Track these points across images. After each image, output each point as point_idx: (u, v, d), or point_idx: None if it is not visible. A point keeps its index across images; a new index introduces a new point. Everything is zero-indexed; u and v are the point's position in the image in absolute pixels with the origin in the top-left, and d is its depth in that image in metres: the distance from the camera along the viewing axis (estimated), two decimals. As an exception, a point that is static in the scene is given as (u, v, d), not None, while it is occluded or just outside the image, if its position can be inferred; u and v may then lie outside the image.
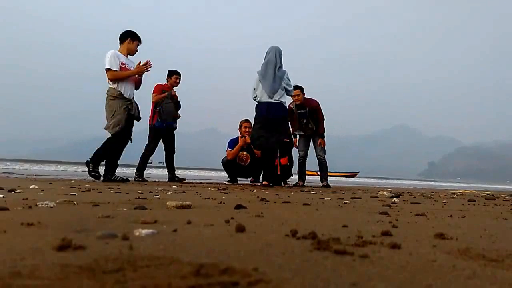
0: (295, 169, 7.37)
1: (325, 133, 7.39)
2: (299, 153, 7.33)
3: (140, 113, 6.01)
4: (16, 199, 2.23)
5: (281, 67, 6.43)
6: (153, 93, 6.97)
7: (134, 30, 6.07)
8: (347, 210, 2.37)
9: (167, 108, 6.88)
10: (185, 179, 7.31)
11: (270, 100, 6.23)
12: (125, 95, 5.71)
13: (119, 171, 6.24)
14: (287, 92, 6.46)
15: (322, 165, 7.39)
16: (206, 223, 1.43)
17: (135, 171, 6.95)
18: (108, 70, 5.58)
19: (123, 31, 6.05)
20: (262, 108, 6.26)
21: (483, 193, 6.11)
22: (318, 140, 7.26)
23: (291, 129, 7.13)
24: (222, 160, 7.42)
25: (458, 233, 1.41)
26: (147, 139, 7.07)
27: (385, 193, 4.39)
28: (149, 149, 7.03)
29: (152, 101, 6.87)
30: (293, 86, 6.71)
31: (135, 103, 5.92)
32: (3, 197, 2.40)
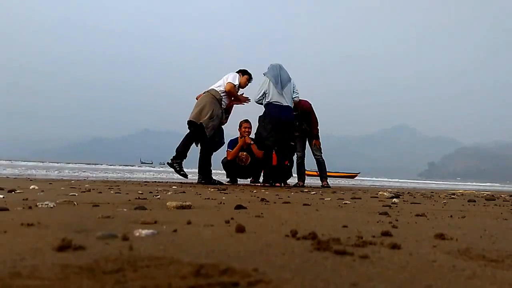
0: (294, 169, 7.37)
1: (319, 134, 7.43)
2: (297, 154, 7.38)
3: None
4: (16, 199, 2.23)
5: (286, 71, 6.74)
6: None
7: (248, 70, 7.11)
8: (347, 210, 2.37)
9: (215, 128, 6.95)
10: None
11: (282, 102, 6.49)
12: (222, 105, 6.46)
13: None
14: (294, 97, 6.75)
15: (320, 164, 7.41)
16: (206, 224, 1.43)
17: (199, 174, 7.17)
18: (229, 83, 6.42)
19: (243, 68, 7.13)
20: (275, 109, 6.44)
21: (483, 193, 6.11)
22: (313, 141, 7.33)
23: None
24: (222, 160, 7.41)
25: (458, 233, 1.41)
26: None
27: (385, 193, 4.39)
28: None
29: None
30: None
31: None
32: (3, 197, 2.40)
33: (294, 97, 6.73)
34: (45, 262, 0.76)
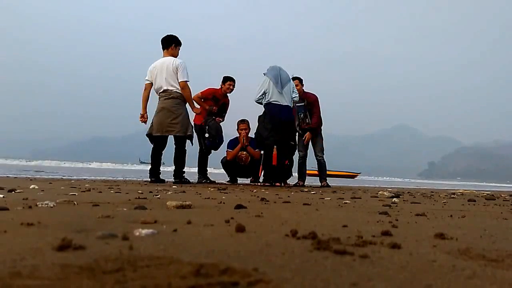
0: (294, 169, 7.36)
1: (318, 129, 7.32)
2: (299, 153, 7.34)
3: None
4: (16, 199, 2.23)
5: (286, 72, 6.72)
6: (200, 92, 7.06)
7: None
8: (347, 210, 2.37)
9: (212, 126, 6.92)
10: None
11: (282, 102, 6.47)
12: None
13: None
14: (293, 97, 6.70)
15: (321, 165, 7.40)
16: (206, 223, 1.43)
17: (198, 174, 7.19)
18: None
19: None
20: (274, 109, 6.44)
21: (483, 193, 6.11)
22: (317, 140, 7.28)
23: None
24: (222, 160, 7.41)
25: (458, 233, 1.41)
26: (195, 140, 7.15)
27: (385, 193, 4.39)
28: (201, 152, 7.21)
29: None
30: (292, 77, 6.96)
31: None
32: (3, 197, 2.40)
33: (294, 97, 6.72)
34: (45, 262, 0.76)
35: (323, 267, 0.80)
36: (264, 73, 6.73)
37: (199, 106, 6.55)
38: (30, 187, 3.51)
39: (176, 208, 2.03)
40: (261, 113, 6.73)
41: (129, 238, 1.03)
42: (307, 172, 7.67)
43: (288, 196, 3.60)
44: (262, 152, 6.97)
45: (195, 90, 6.72)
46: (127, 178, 5.93)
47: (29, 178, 6.29)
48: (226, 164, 7.35)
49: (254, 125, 6.96)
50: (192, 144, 6.31)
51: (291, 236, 1.18)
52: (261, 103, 6.65)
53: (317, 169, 7.51)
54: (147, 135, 6.14)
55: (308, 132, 7.17)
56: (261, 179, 7.22)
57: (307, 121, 7.21)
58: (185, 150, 6.18)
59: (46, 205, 1.87)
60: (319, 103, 7.33)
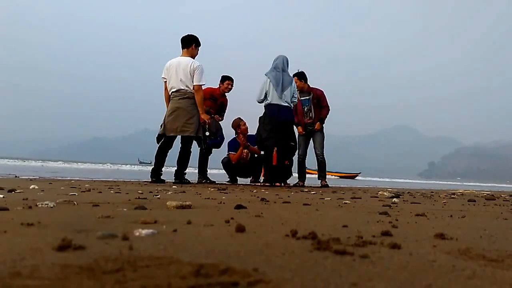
0: (294, 169, 7.35)
1: (324, 121, 7.32)
2: (298, 152, 7.32)
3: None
4: (16, 199, 2.23)
5: (288, 74, 6.72)
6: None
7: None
8: (347, 210, 2.37)
9: (212, 124, 6.94)
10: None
11: (281, 103, 6.48)
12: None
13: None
14: (293, 102, 6.69)
15: (321, 164, 7.37)
16: (206, 223, 1.43)
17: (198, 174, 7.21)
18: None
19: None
20: (274, 110, 6.46)
21: (483, 193, 6.11)
22: (317, 136, 7.25)
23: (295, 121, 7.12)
24: (222, 160, 7.42)
25: (458, 233, 1.41)
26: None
27: (385, 193, 4.39)
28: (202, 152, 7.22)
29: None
30: (293, 74, 6.98)
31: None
32: (3, 197, 2.40)
33: (293, 101, 6.71)
34: (45, 262, 0.76)
35: (323, 267, 0.80)
36: (266, 73, 6.69)
37: (203, 119, 6.35)
38: (30, 187, 3.51)
39: (176, 208, 2.03)
40: (262, 114, 6.71)
41: (129, 238, 1.03)
42: (307, 171, 7.67)
43: (288, 196, 3.60)
44: (262, 151, 6.96)
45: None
46: (127, 180, 5.91)
47: (29, 178, 6.29)
48: (226, 164, 7.36)
49: (254, 125, 6.99)
50: (199, 146, 6.40)
51: (291, 236, 1.18)
52: (262, 103, 6.65)
53: (316, 168, 7.50)
54: (158, 135, 6.10)
55: (318, 122, 7.18)
56: (261, 179, 7.21)
57: (311, 115, 7.22)
58: (190, 151, 6.19)
59: (46, 205, 1.87)
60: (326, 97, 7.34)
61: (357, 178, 32.64)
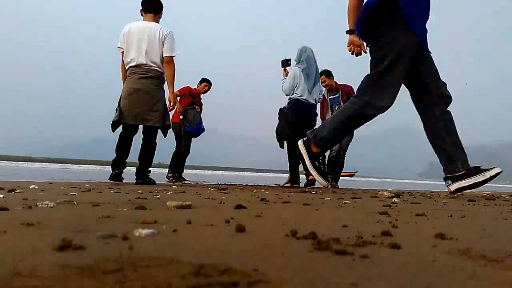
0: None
1: None
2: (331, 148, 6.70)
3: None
4: (16, 199, 2.23)
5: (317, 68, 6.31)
6: (177, 91, 7.07)
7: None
8: (347, 210, 2.37)
9: (189, 112, 7.07)
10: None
11: (310, 100, 6.06)
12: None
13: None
14: (319, 99, 6.31)
15: (341, 166, 7.04)
16: (206, 223, 1.43)
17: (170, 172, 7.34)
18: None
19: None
20: (302, 107, 6.00)
21: (483, 193, 6.11)
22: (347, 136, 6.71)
23: (320, 117, 6.67)
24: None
25: (458, 233, 1.41)
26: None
27: (385, 193, 4.39)
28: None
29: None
30: (320, 72, 6.55)
31: None
32: (3, 197, 2.40)
33: (320, 99, 6.29)
34: (45, 262, 0.76)
35: (323, 267, 0.80)
36: (297, 63, 6.14)
37: (173, 98, 5.27)
38: (30, 187, 3.51)
39: (176, 208, 2.03)
40: (285, 106, 6.22)
41: (129, 238, 1.03)
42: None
43: (288, 196, 3.60)
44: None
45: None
46: (127, 179, 5.90)
47: (29, 178, 6.29)
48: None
49: (270, 120, 6.77)
50: (165, 136, 5.26)
51: (291, 236, 1.18)
52: (288, 95, 6.16)
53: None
54: (113, 122, 4.96)
55: None
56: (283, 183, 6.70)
57: None
58: (156, 143, 5.15)
59: (46, 205, 1.87)
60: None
61: (356, 177, 32.66)
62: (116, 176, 5.07)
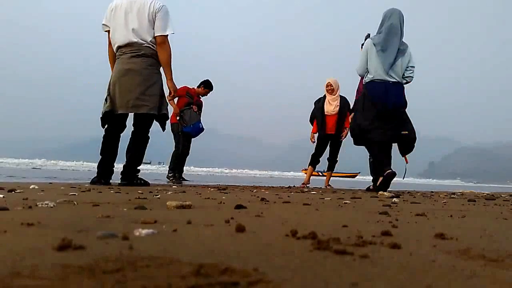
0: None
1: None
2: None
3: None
4: (16, 199, 2.23)
5: (402, 36, 4.85)
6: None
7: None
8: (347, 210, 2.37)
9: (186, 112, 7.03)
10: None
11: (388, 79, 4.70)
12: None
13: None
14: (408, 76, 4.83)
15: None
16: (206, 223, 1.43)
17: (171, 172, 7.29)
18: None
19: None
20: (378, 90, 4.69)
21: (483, 193, 6.11)
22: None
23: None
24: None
25: (458, 233, 1.41)
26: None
27: (385, 193, 4.38)
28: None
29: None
30: None
31: None
32: (3, 197, 2.40)
33: (407, 76, 4.79)
34: (45, 262, 0.76)
35: (323, 267, 0.80)
36: (371, 38, 4.79)
37: (173, 86, 4.47)
38: (30, 187, 3.50)
39: (176, 208, 2.03)
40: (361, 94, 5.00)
41: (129, 238, 1.03)
42: (315, 174, 7.09)
43: (288, 196, 3.60)
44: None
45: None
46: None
47: (29, 178, 6.29)
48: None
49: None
50: (164, 129, 4.59)
51: (291, 236, 1.18)
52: (362, 76, 5.02)
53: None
54: (104, 113, 4.15)
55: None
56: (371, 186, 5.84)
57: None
58: (148, 137, 4.35)
59: (46, 205, 1.87)
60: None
61: (356, 178, 32.66)
62: (104, 182, 4.31)
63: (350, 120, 6.13)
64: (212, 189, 4.49)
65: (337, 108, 6.82)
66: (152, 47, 4.14)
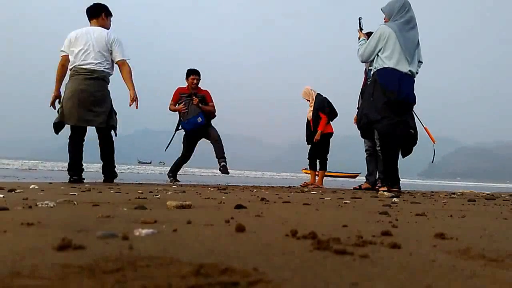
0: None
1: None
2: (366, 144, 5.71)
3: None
4: (16, 199, 2.23)
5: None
6: (171, 100, 6.98)
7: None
8: (347, 210, 2.37)
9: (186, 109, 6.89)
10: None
11: (404, 70, 4.32)
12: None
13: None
14: (416, 71, 4.55)
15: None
16: (206, 223, 1.43)
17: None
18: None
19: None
20: (391, 78, 4.27)
21: (483, 193, 6.11)
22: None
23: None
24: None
25: (458, 233, 1.41)
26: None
27: (385, 193, 4.38)
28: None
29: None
30: None
31: None
32: (3, 197, 2.40)
33: (417, 71, 4.54)
34: (45, 262, 0.76)
35: (323, 267, 0.80)
36: (387, 25, 4.35)
37: (135, 94, 5.15)
38: (30, 187, 3.51)
39: (176, 208, 2.03)
40: (370, 84, 4.57)
41: (129, 238, 1.03)
42: (329, 174, 7.19)
43: (288, 196, 3.60)
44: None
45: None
46: (127, 180, 5.90)
47: (28, 178, 6.29)
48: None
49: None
50: (116, 135, 5.22)
51: (291, 236, 1.18)
52: (365, 62, 4.72)
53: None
54: (55, 123, 4.92)
55: None
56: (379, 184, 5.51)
57: None
58: (112, 141, 5.20)
59: (46, 205, 1.87)
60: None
61: (356, 179, 32.67)
62: (78, 180, 5.00)
63: (325, 121, 7.11)
64: (212, 189, 4.49)
65: (311, 113, 7.53)
66: (104, 70, 4.90)
